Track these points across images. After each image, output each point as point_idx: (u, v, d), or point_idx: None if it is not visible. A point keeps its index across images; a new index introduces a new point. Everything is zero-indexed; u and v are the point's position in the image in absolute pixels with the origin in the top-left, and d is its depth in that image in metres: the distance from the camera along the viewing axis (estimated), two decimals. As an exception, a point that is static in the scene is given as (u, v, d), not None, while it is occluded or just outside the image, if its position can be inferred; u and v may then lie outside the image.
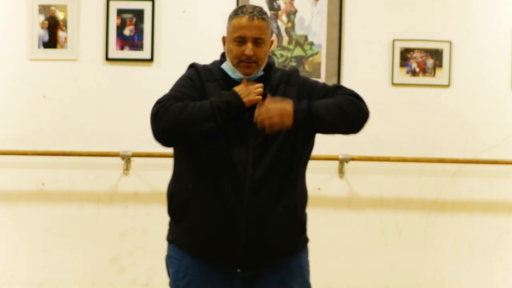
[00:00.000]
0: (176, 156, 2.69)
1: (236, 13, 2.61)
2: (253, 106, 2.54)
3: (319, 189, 4.49)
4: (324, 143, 4.21)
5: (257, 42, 2.57)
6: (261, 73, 2.63)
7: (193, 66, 2.70)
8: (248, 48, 2.56)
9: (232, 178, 2.53)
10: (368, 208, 4.61)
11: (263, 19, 2.59)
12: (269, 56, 2.69)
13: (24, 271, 4.63)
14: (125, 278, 4.62)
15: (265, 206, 2.55)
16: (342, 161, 4.50)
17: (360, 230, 4.62)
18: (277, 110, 2.48)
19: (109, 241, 4.61)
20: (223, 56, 2.70)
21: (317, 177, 4.48)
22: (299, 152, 2.64)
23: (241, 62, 2.58)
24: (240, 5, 4.49)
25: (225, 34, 2.68)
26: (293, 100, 2.56)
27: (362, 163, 4.56)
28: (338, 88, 2.67)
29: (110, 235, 4.61)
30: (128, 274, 4.62)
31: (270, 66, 2.68)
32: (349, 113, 2.60)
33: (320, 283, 4.60)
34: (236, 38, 2.57)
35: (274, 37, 2.72)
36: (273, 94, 2.60)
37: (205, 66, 2.69)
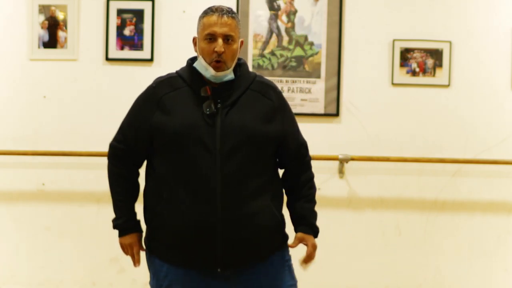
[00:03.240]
0: (147, 165, 2.76)
1: (206, 13, 2.64)
2: (219, 110, 2.61)
3: (319, 189, 4.45)
4: (324, 144, 4.23)
5: (227, 39, 2.60)
6: (231, 76, 2.65)
7: (154, 84, 2.75)
8: (219, 45, 2.58)
9: (202, 183, 2.56)
10: (368, 208, 4.61)
11: (233, 17, 2.62)
12: (240, 58, 2.72)
13: (24, 271, 4.63)
14: (125, 278, 4.62)
15: (238, 207, 2.57)
16: (342, 161, 4.50)
17: (360, 230, 4.62)
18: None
19: (109, 241, 4.60)
20: (191, 60, 2.72)
21: (317, 177, 4.46)
22: (268, 153, 2.67)
23: (211, 61, 2.60)
24: (240, 5, 4.50)
25: (195, 35, 2.70)
26: (264, 111, 2.64)
27: (362, 163, 4.56)
28: (306, 148, 2.85)
29: (110, 235, 4.59)
30: (128, 274, 4.62)
31: (239, 67, 2.69)
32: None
33: (320, 283, 4.60)
34: (207, 36, 2.60)
35: (245, 38, 2.74)
36: (238, 98, 2.63)
37: (168, 75, 2.73)
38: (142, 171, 2.82)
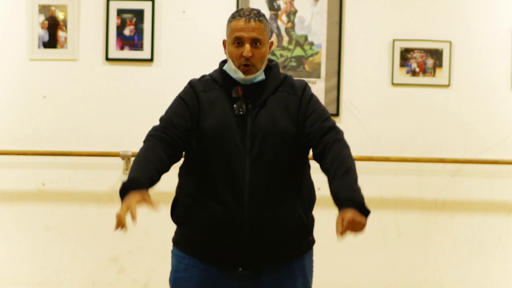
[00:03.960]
0: (184, 162, 2.73)
1: (233, 17, 2.65)
2: (248, 110, 2.60)
3: (319, 189, 4.43)
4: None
5: (255, 43, 2.61)
6: (262, 77, 2.66)
7: (189, 82, 2.74)
8: (246, 50, 2.60)
9: (231, 183, 2.57)
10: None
11: (260, 21, 2.63)
12: (271, 60, 2.73)
13: (24, 271, 4.63)
14: (125, 278, 4.62)
15: (265, 209, 2.58)
16: (342, 161, 4.50)
17: (360, 230, 4.61)
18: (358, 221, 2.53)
19: (109, 241, 4.61)
20: (223, 62, 2.74)
21: (317, 177, 4.46)
22: (298, 155, 2.67)
23: (240, 65, 2.62)
24: (240, 5, 4.50)
25: (225, 38, 2.72)
26: (292, 109, 2.62)
27: (362, 163, 4.56)
28: (333, 130, 2.64)
29: (110, 235, 4.61)
30: (128, 274, 4.62)
31: (270, 69, 2.70)
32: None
33: (320, 283, 4.60)
34: (234, 40, 2.62)
35: (274, 38, 2.76)
36: (267, 99, 2.64)
37: (202, 77, 2.74)
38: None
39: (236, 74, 2.63)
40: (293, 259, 2.69)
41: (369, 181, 4.59)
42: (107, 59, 4.57)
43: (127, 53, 4.56)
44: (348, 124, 4.57)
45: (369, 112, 4.59)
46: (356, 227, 2.50)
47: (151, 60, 4.56)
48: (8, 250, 4.63)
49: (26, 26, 4.55)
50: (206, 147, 2.60)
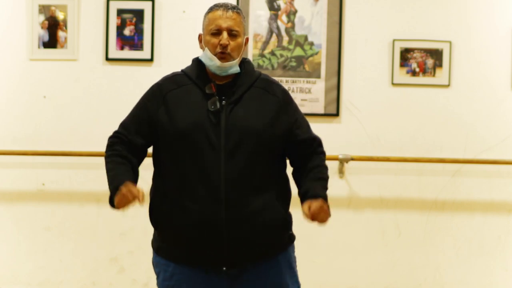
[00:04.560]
0: (154, 165, 2.74)
1: (211, 8, 2.68)
2: (225, 106, 2.61)
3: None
4: (324, 144, 4.21)
5: (232, 33, 2.63)
6: (237, 68, 2.66)
7: (157, 83, 2.76)
8: (224, 38, 2.61)
9: (206, 181, 2.56)
10: (368, 208, 4.61)
11: (238, 13, 2.67)
12: (245, 57, 2.75)
13: (24, 271, 4.63)
14: (125, 278, 4.62)
15: (243, 205, 2.57)
16: (342, 161, 4.51)
17: (360, 230, 4.62)
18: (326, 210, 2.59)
19: (109, 241, 4.61)
20: (196, 58, 2.73)
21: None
22: (273, 151, 2.66)
23: (216, 53, 2.63)
24: (239, 5, 4.50)
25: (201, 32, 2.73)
26: (269, 108, 2.64)
27: (362, 163, 4.56)
28: (314, 143, 2.74)
29: (110, 235, 4.61)
30: (128, 274, 4.62)
31: (244, 65, 2.71)
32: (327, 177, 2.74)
33: (320, 283, 4.60)
34: (212, 30, 2.64)
35: (248, 35, 2.77)
36: (242, 95, 2.64)
37: (174, 73, 2.75)
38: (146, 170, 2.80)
39: (212, 61, 2.63)
40: (277, 253, 2.68)
41: (369, 181, 4.59)
42: (107, 59, 4.57)
43: (127, 53, 4.56)
44: (348, 124, 4.58)
45: (369, 112, 4.59)
46: (323, 214, 2.59)
47: (151, 60, 4.56)
48: (8, 250, 4.63)
49: (26, 26, 4.55)
50: (178, 145, 2.59)
